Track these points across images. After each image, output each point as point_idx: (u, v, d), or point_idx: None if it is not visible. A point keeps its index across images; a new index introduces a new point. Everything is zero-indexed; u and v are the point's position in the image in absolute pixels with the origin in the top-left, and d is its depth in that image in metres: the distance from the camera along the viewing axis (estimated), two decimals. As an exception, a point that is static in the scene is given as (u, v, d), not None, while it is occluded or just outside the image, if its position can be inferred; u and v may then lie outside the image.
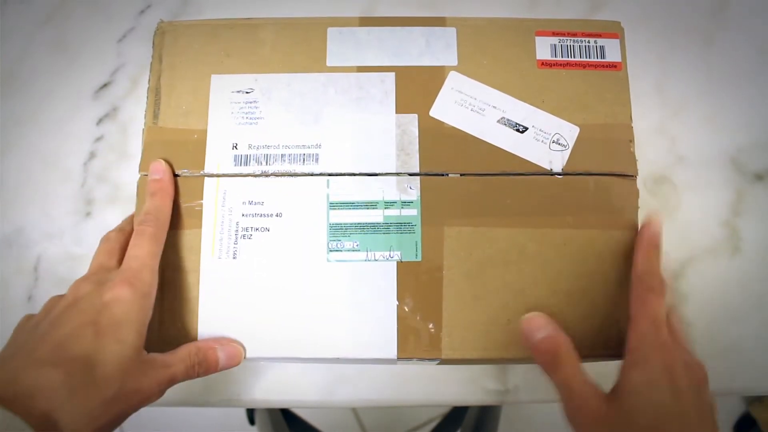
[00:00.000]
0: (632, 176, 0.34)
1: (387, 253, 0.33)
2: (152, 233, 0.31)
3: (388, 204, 0.33)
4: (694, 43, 0.45)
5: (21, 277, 0.41)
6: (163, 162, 0.33)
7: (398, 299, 0.33)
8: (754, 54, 0.45)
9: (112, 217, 0.42)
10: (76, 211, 0.42)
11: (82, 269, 0.41)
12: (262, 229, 0.33)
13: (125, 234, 0.33)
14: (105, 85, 0.45)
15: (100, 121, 0.44)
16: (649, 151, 0.42)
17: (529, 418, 0.99)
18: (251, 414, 0.87)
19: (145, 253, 0.30)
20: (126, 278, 0.29)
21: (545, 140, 0.34)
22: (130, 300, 0.28)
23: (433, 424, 0.76)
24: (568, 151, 0.34)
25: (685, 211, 0.42)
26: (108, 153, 0.43)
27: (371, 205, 0.33)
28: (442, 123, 0.34)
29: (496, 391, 0.39)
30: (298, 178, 0.34)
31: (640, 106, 0.42)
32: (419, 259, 0.33)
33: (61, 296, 0.30)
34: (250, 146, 0.34)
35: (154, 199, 0.32)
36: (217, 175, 0.34)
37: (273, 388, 0.39)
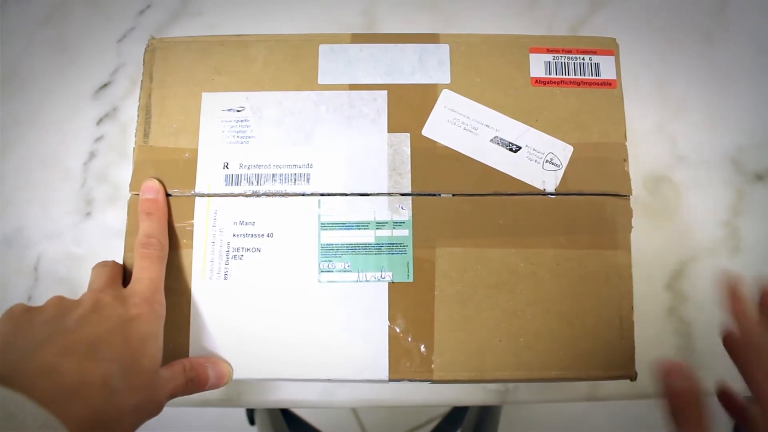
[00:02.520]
0: (626, 196, 0.34)
1: (378, 274, 0.33)
2: (159, 257, 0.31)
3: (380, 224, 0.33)
4: (694, 43, 0.45)
5: (21, 277, 0.41)
6: (156, 181, 0.33)
7: (390, 320, 0.33)
8: (754, 54, 0.45)
9: (112, 217, 0.42)
10: (76, 211, 0.42)
11: (82, 269, 0.41)
12: (254, 250, 0.33)
13: (121, 266, 0.33)
14: (105, 85, 0.45)
15: (100, 121, 0.44)
16: (649, 151, 0.42)
17: (529, 418, 0.99)
18: (251, 414, 0.87)
19: (155, 276, 0.31)
20: (146, 299, 0.30)
21: (538, 160, 0.34)
22: (151, 319, 0.29)
23: (433, 424, 0.76)
24: (562, 171, 0.34)
25: (685, 211, 0.42)
26: (108, 153, 0.43)
27: (363, 225, 0.33)
28: (435, 142, 0.34)
29: (496, 391, 0.39)
30: (290, 198, 0.34)
31: (640, 106, 0.42)
32: (411, 279, 0.33)
33: (70, 299, 0.29)
34: (241, 166, 0.34)
35: (152, 219, 0.32)
36: (208, 195, 0.34)
37: (273, 388, 0.39)
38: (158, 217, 0.33)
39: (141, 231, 0.32)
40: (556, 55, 0.35)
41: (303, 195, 0.34)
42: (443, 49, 0.36)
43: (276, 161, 0.34)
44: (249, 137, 0.34)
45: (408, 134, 0.34)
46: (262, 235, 0.33)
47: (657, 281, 0.40)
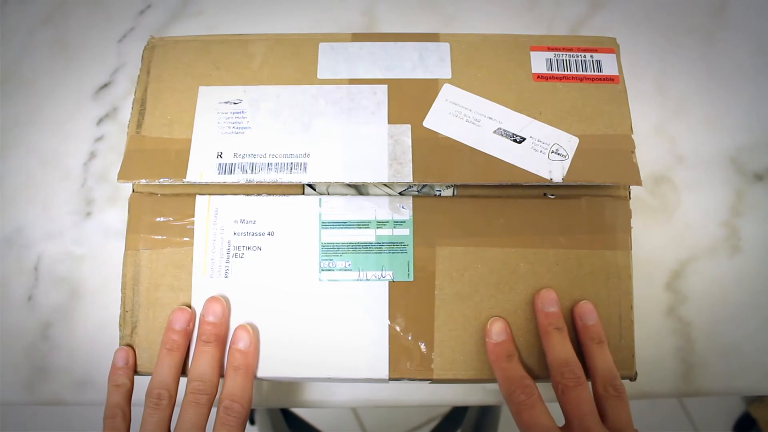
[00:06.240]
0: (624, 198, 0.33)
1: (379, 273, 0.33)
2: (236, 424, 0.30)
3: (381, 223, 0.33)
4: (694, 43, 0.45)
5: (21, 277, 0.41)
6: (250, 329, 0.32)
7: (390, 319, 0.33)
8: (753, 54, 0.45)
9: (112, 217, 0.42)
10: (76, 211, 0.42)
11: (82, 269, 0.41)
12: (254, 248, 0.33)
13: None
14: (105, 85, 0.45)
15: (100, 121, 0.44)
16: (649, 151, 0.42)
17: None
18: (251, 414, 0.87)
19: None
20: None
21: (544, 150, 0.33)
22: None
23: (433, 424, 0.76)
24: (569, 161, 0.33)
25: (685, 211, 0.42)
26: (108, 153, 0.43)
27: (363, 224, 0.33)
28: (437, 133, 0.34)
29: (496, 391, 0.39)
30: (291, 197, 0.34)
31: (640, 106, 0.43)
32: (411, 278, 0.33)
33: None
34: (235, 155, 0.33)
35: (237, 377, 0.31)
36: (209, 193, 0.34)
37: (273, 388, 0.39)
38: (244, 375, 0.31)
39: (225, 389, 0.30)
40: (557, 52, 0.35)
41: (300, 187, 0.33)
42: (444, 47, 0.36)
43: (272, 150, 0.33)
44: (245, 128, 0.34)
45: (409, 125, 0.34)
46: (263, 234, 0.33)
47: (656, 281, 0.40)
